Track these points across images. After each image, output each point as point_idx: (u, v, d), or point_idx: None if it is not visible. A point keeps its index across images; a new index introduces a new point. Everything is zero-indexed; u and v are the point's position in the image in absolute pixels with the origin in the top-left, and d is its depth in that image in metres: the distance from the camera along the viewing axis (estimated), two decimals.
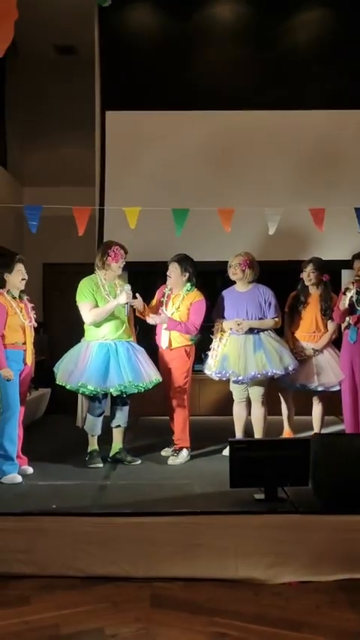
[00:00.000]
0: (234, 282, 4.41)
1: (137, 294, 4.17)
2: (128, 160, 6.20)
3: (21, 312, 3.86)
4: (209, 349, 4.37)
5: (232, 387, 4.41)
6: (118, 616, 2.69)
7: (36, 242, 6.80)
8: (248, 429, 4.44)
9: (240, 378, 4.16)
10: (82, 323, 4.20)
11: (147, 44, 6.43)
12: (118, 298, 4.05)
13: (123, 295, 4.04)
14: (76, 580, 3.01)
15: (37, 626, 2.61)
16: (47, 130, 7.72)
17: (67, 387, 4.04)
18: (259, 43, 6.36)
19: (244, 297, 4.30)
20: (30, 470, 3.96)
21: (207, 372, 4.32)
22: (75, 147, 7.49)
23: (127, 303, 4.07)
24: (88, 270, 5.55)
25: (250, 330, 4.23)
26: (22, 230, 7.17)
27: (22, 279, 3.89)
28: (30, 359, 3.91)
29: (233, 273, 4.31)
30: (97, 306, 4.08)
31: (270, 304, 4.28)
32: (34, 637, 2.52)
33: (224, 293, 4.41)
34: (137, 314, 4.33)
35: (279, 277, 4.79)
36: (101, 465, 4.08)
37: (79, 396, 4.31)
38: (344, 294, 4.24)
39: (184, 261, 4.31)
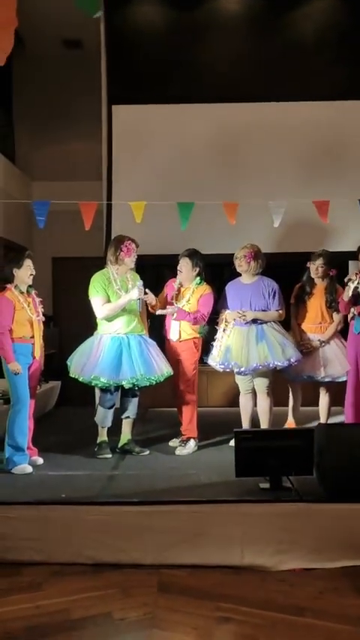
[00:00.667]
0: (240, 275, 4.45)
1: (147, 290, 4.21)
2: (135, 153, 6.23)
3: (28, 306, 3.93)
4: (214, 340, 4.43)
5: (237, 379, 4.46)
6: (127, 601, 2.77)
7: (45, 236, 6.88)
8: (255, 420, 4.49)
9: (242, 369, 4.21)
10: (94, 316, 4.26)
11: (153, 37, 6.43)
12: (130, 294, 4.10)
13: (135, 291, 4.09)
14: (86, 567, 3.10)
15: (48, 610, 2.69)
16: (56, 124, 7.77)
17: (80, 380, 4.09)
18: (264, 34, 6.34)
19: (249, 289, 4.35)
20: (40, 460, 4.05)
21: (211, 362, 4.38)
22: (84, 141, 7.53)
23: (139, 299, 4.11)
24: (98, 263, 5.62)
25: (254, 322, 4.28)
26: (31, 224, 7.23)
27: (30, 275, 3.96)
28: (38, 353, 3.98)
29: (239, 265, 4.36)
30: (109, 300, 4.13)
31: (274, 296, 4.32)
32: (45, 621, 2.60)
33: (229, 285, 4.46)
34: (150, 309, 4.40)
35: (284, 269, 4.82)
36: (110, 456, 4.14)
37: (96, 389, 4.39)
38: (347, 284, 4.26)
39: (194, 255, 4.39)
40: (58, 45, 7.47)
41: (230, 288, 4.43)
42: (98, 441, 4.24)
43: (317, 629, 2.54)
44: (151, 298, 4.23)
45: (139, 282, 4.13)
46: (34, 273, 3.98)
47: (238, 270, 4.39)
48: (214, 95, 6.20)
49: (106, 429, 4.27)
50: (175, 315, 4.30)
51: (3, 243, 6.76)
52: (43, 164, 7.86)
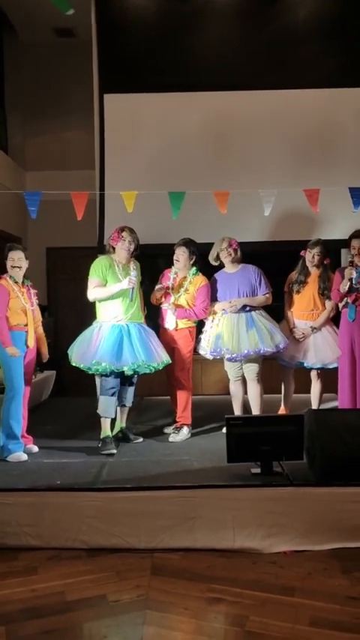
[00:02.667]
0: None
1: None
2: (127, 142, 6.23)
3: (22, 295, 3.99)
4: (202, 332, 4.50)
5: (227, 367, 4.52)
6: (121, 584, 2.84)
7: (39, 227, 6.89)
8: (246, 406, 4.56)
9: (234, 355, 4.27)
10: (91, 305, 4.30)
11: (145, 26, 6.38)
12: (121, 283, 4.12)
13: (125, 281, 4.10)
14: (80, 551, 3.17)
15: (43, 593, 2.76)
16: (48, 113, 7.74)
17: (81, 367, 4.10)
18: (255, 22, 6.30)
19: (235, 277, 4.42)
20: (35, 449, 4.10)
21: (201, 352, 4.44)
22: (76, 130, 7.52)
23: (132, 289, 4.13)
24: (91, 253, 5.65)
25: (243, 309, 4.34)
26: (25, 215, 7.20)
27: (12, 267, 4.00)
28: (32, 342, 4.03)
29: (226, 255, 4.41)
30: (104, 285, 4.17)
31: (260, 281, 4.41)
32: (41, 603, 2.68)
33: (215, 276, 4.52)
34: (154, 301, 4.46)
35: (275, 258, 4.86)
36: (114, 452, 4.01)
37: (96, 379, 4.39)
38: (342, 276, 4.30)
39: (190, 244, 4.44)
40: (49, 33, 7.43)
41: (217, 280, 4.49)
42: (102, 437, 4.13)
43: (306, 608, 2.62)
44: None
45: (133, 273, 4.15)
46: (18, 265, 4.00)
47: (225, 260, 4.44)
48: (205, 83, 6.19)
49: (109, 421, 4.18)
50: (176, 313, 4.35)
51: None
52: (36, 154, 7.84)
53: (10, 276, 4.00)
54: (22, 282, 4.06)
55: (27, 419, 4.14)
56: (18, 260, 4.00)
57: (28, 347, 4.01)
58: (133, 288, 4.13)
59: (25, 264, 4.04)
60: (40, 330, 4.22)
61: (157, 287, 4.45)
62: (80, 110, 7.06)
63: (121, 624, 2.50)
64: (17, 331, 3.95)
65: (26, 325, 4.00)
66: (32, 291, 4.13)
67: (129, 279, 4.10)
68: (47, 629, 2.46)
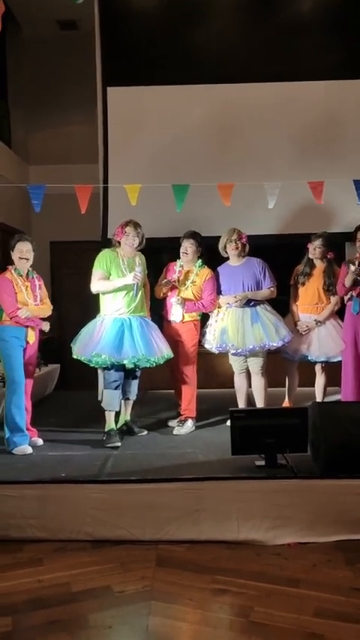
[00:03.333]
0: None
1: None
2: (131, 136, 6.20)
3: (26, 290, 3.98)
4: (206, 326, 4.49)
5: (231, 360, 4.52)
6: (126, 575, 2.85)
7: (43, 220, 6.87)
8: (251, 400, 4.56)
9: (239, 350, 4.27)
10: (94, 299, 4.30)
11: (148, 18, 6.34)
12: (125, 278, 4.11)
13: (130, 276, 4.10)
14: (85, 543, 3.18)
15: (49, 584, 2.78)
16: (52, 107, 7.72)
17: (82, 359, 4.10)
18: (259, 14, 6.25)
19: (240, 270, 4.41)
20: (40, 441, 4.12)
21: (207, 346, 4.44)
22: (80, 124, 7.50)
23: (136, 284, 4.12)
24: (95, 247, 5.64)
25: (247, 303, 4.33)
26: (29, 209, 7.22)
27: (20, 258, 3.98)
28: (32, 338, 4.01)
29: (235, 247, 4.39)
30: (108, 277, 4.17)
31: (265, 275, 4.40)
32: (47, 594, 2.69)
33: (219, 269, 4.51)
34: (160, 295, 4.46)
35: (281, 251, 4.85)
36: (119, 444, 4.02)
37: (99, 372, 4.39)
38: (348, 267, 4.29)
39: (198, 236, 4.45)
40: (52, 26, 7.40)
41: (221, 273, 4.48)
42: (106, 429, 4.14)
43: (310, 599, 2.63)
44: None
45: (138, 269, 4.13)
46: (25, 257, 3.99)
47: (232, 253, 4.43)
48: (209, 76, 6.16)
49: (113, 414, 4.19)
50: (185, 307, 4.35)
51: (1, 228, 6.77)
52: (40, 148, 7.83)
53: (15, 269, 3.99)
54: (27, 275, 4.06)
55: (31, 412, 4.15)
56: (26, 252, 3.99)
57: (28, 343, 4.00)
58: (135, 285, 4.12)
59: (32, 257, 4.03)
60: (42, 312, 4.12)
61: (163, 281, 4.44)
62: (83, 103, 7.04)
63: (127, 615, 2.52)
64: (16, 327, 3.93)
65: (27, 326, 3.97)
66: (37, 282, 4.11)
67: (134, 275, 4.09)
68: (53, 620, 2.48)
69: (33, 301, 4.01)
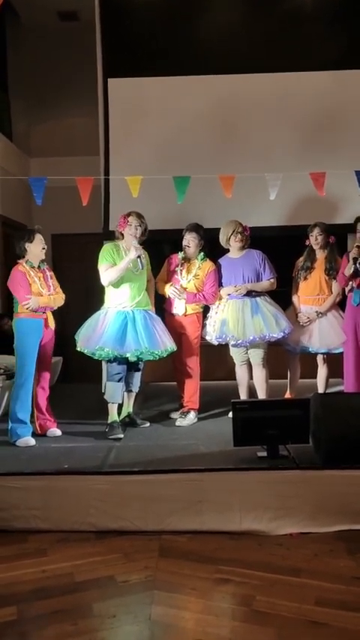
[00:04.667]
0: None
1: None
2: (132, 127, 6.19)
3: (39, 280, 4.02)
4: (206, 318, 4.50)
5: (232, 351, 4.54)
6: (129, 565, 2.88)
7: (45, 213, 6.85)
8: (252, 391, 4.58)
9: (239, 342, 4.28)
10: (97, 291, 4.31)
11: (148, 9, 6.31)
12: (128, 255, 4.10)
13: (132, 250, 4.09)
14: (89, 534, 3.21)
15: (53, 574, 2.81)
16: (52, 99, 7.69)
17: (86, 352, 4.12)
18: (261, 5, 6.22)
19: (240, 262, 4.41)
20: (58, 432, 4.14)
21: (207, 337, 4.45)
22: (81, 116, 7.47)
23: (138, 257, 4.11)
24: (97, 239, 5.64)
25: (248, 294, 4.34)
26: (30, 201, 7.22)
27: (43, 248, 4.08)
28: (52, 323, 4.08)
29: (239, 240, 4.39)
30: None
31: (265, 267, 4.41)
32: (51, 583, 2.72)
33: (220, 261, 4.51)
34: (159, 291, 4.46)
35: (282, 242, 4.85)
36: (122, 436, 4.03)
37: (103, 364, 4.39)
38: (349, 259, 4.29)
39: (200, 229, 4.45)
40: (53, 17, 7.36)
41: (221, 265, 4.48)
42: (109, 421, 4.16)
43: (312, 588, 2.65)
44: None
45: (134, 242, 4.11)
46: (45, 247, 4.10)
47: (236, 245, 4.43)
48: (210, 66, 6.13)
49: (116, 406, 4.20)
50: (185, 300, 4.35)
51: (2, 221, 6.77)
52: (41, 140, 7.81)
53: (27, 261, 4.02)
54: (39, 266, 4.09)
55: (48, 401, 4.19)
56: (44, 242, 4.08)
57: (47, 327, 4.04)
58: (139, 260, 4.10)
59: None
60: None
61: (170, 290, 4.41)
62: (84, 95, 7.00)
63: (130, 604, 2.54)
64: (33, 319, 3.98)
65: (44, 313, 4.02)
66: (49, 273, 4.15)
67: (134, 248, 4.07)
68: (57, 609, 2.50)
69: (47, 291, 4.05)
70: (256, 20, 6.20)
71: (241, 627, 2.39)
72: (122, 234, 4.24)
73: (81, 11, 7.11)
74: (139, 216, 4.21)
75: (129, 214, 4.21)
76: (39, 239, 4.06)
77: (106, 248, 4.24)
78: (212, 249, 4.59)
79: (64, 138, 7.70)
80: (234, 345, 4.41)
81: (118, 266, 4.11)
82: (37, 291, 3.99)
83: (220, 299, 4.44)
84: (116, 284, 4.15)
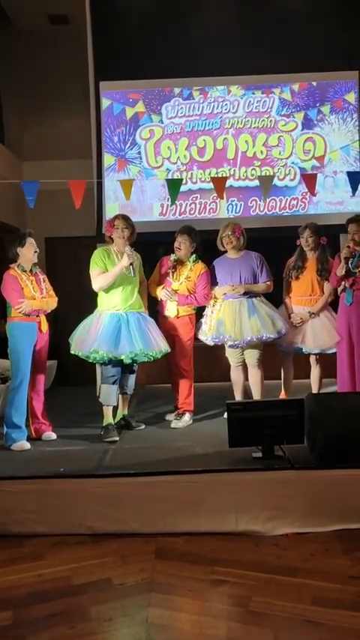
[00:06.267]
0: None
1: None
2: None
3: (32, 284, 4.02)
4: (202, 317, 4.52)
5: (228, 352, 4.55)
6: (125, 568, 2.88)
7: (38, 217, 6.86)
8: (247, 392, 4.59)
9: (236, 342, 4.29)
10: (91, 295, 4.31)
11: (139, 11, 6.33)
12: (121, 262, 4.12)
13: (125, 257, 4.10)
14: (85, 537, 3.21)
15: (50, 578, 2.81)
16: (45, 103, 7.67)
17: (80, 355, 4.12)
18: (253, 7, 6.24)
19: (237, 263, 4.43)
20: (53, 435, 4.15)
21: (202, 337, 4.46)
22: (74, 119, 7.45)
23: (131, 264, 4.13)
24: (91, 243, 5.64)
25: (244, 295, 4.35)
26: (23, 205, 7.19)
27: (35, 252, 4.08)
28: (45, 327, 4.08)
29: (228, 242, 4.41)
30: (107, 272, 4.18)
31: (262, 269, 4.42)
32: (48, 587, 2.72)
33: (216, 261, 4.53)
34: (151, 293, 4.47)
35: (276, 243, 4.87)
36: (117, 439, 4.03)
37: (97, 367, 4.39)
38: (341, 260, 4.32)
39: (192, 232, 4.45)
40: (43, 20, 7.36)
41: (218, 265, 4.50)
42: (104, 424, 4.16)
43: (308, 588, 2.66)
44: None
45: (127, 248, 4.13)
46: (37, 250, 4.10)
47: (227, 247, 4.45)
48: (202, 70, 6.15)
49: (111, 409, 4.20)
50: (177, 302, 4.36)
51: None
52: (33, 144, 7.79)
53: (19, 265, 4.02)
54: (31, 270, 4.09)
55: (44, 404, 4.19)
56: (36, 246, 4.09)
57: (41, 332, 4.04)
58: (131, 266, 4.10)
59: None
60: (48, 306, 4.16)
61: (162, 293, 4.42)
62: (77, 98, 7.00)
63: (127, 606, 2.54)
64: (27, 322, 3.98)
65: (38, 316, 4.02)
66: (41, 276, 4.16)
67: (127, 254, 4.09)
68: (54, 613, 2.51)
69: (39, 294, 4.05)
70: (250, 22, 6.18)
71: (238, 628, 2.40)
72: (111, 239, 4.24)
73: (72, 14, 7.11)
74: (125, 218, 4.22)
75: (115, 218, 4.24)
76: (30, 243, 4.06)
77: (97, 253, 4.25)
78: (205, 250, 4.59)
79: (57, 141, 7.68)
80: (231, 346, 4.42)
81: (110, 272, 4.12)
82: (30, 294, 3.99)
83: (216, 299, 4.44)
84: (109, 287, 4.16)
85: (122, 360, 4.06)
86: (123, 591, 2.67)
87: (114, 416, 4.30)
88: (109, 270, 4.16)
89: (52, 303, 4.14)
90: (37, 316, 4.02)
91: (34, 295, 4.00)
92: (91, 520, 3.25)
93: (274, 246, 4.91)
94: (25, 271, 4.05)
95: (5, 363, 4.63)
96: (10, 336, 3.99)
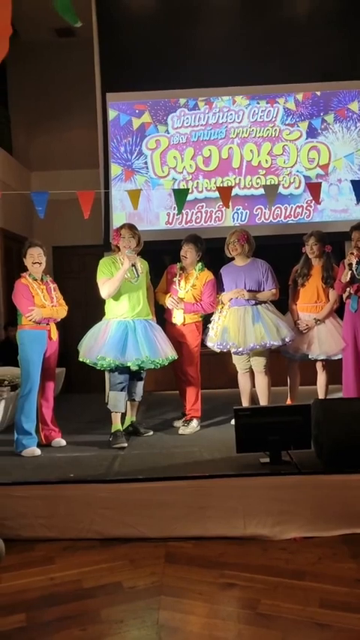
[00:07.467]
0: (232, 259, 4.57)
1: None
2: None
3: (42, 292, 4.08)
4: (210, 322, 4.57)
5: (235, 359, 4.59)
6: (135, 571, 2.91)
7: (45, 226, 6.96)
8: (254, 398, 4.63)
9: (240, 349, 4.34)
10: (98, 303, 4.37)
11: (146, 22, 6.42)
12: (123, 265, 4.17)
13: (126, 260, 4.16)
14: (95, 542, 3.25)
15: (61, 581, 2.84)
16: (52, 113, 7.81)
17: (87, 362, 4.17)
18: (257, 16, 6.33)
19: (243, 270, 4.48)
20: (63, 442, 4.20)
21: (209, 343, 4.51)
22: (80, 129, 7.57)
23: (133, 265, 4.19)
24: (98, 251, 5.72)
25: (249, 302, 4.40)
26: (31, 215, 7.33)
27: (34, 263, 4.09)
28: (55, 334, 4.13)
29: (233, 249, 4.47)
30: None
31: (267, 277, 4.47)
32: (59, 590, 2.76)
33: (223, 268, 4.58)
34: (157, 300, 4.52)
35: (280, 251, 4.92)
36: (125, 445, 4.08)
37: (106, 375, 4.43)
38: (345, 267, 4.36)
39: (198, 241, 4.50)
40: (51, 34, 7.48)
41: (225, 272, 4.55)
42: (113, 430, 4.21)
43: (316, 591, 2.69)
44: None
45: (127, 251, 4.17)
46: (38, 261, 4.10)
47: (232, 254, 4.51)
48: (207, 81, 6.23)
49: (119, 415, 4.25)
50: (183, 310, 4.42)
51: (3, 234, 6.85)
52: (41, 154, 7.92)
53: (30, 274, 4.09)
54: (42, 279, 4.15)
55: (53, 411, 4.25)
56: (38, 256, 4.10)
57: (51, 339, 4.10)
58: (134, 268, 4.15)
59: (44, 261, 4.13)
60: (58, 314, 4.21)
61: (169, 301, 4.48)
62: (84, 109, 7.12)
63: (137, 609, 2.58)
64: (37, 330, 4.04)
65: (48, 324, 4.09)
66: (51, 285, 4.22)
67: (127, 257, 4.14)
68: (66, 615, 2.54)
69: (50, 303, 4.11)
70: (257, 31, 6.26)
71: (247, 630, 2.43)
72: (118, 248, 4.30)
73: (78, 28, 7.22)
74: (132, 227, 4.28)
75: (121, 227, 4.30)
76: (30, 254, 4.09)
77: (103, 262, 4.31)
78: (212, 258, 4.65)
79: (64, 151, 7.80)
80: (235, 353, 4.47)
81: (114, 277, 4.17)
82: (40, 303, 4.05)
83: (222, 305, 4.50)
84: (115, 296, 4.21)
85: (129, 367, 4.11)
86: (133, 594, 2.71)
87: (122, 422, 4.35)
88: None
89: (62, 311, 4.20)
90: (47, 324, 4.09)
91: (44, 303, 4.06)
92: (101, 525, 3.29)
93: (279, 254, 4.98)
94: (35, 280, 4.11)
95: (15, 371, 4.70)
96: (21, 343, 4.06)
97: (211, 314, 4.54)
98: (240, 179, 6.22)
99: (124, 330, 4.16)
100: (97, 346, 4.13)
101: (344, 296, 4.53)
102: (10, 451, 4.02)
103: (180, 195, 4.65)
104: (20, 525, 3.29)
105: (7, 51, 2.42)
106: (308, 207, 6.19)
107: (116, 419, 4.25)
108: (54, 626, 2.47)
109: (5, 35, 2.47)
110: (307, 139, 6.25)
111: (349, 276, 4.34)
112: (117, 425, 4.25)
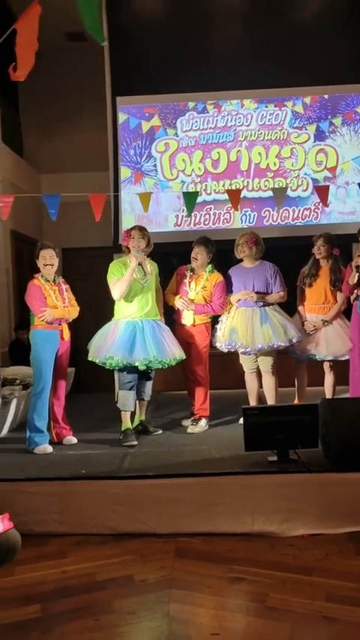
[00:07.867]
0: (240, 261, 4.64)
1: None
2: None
3: (54, 293, 4.16)
4: (218, 323, 4.63)
5: (242, 359, 4.65)
6: (146, 566, 2.99)
7: (55, 228, 7.03)
8: (262, 399, 4.69)
9: (247, 349, 4.40)
10: (106, 304, 4.45)
11: (156, 27, 6.50)
12: (131, 264, 4.23)
13: (132, 259, 4.23)
14: (106, 537, 3.32)
15: (74, 574, 2.92)
16: (62, 116, 7.89)
17: (96, 362, 4.24)
18: (267, 22, 6.39)
19: (251, 272, 4.54)
20: (74, 440, 4.28)
21: (217, 344, 4.57)
22: (91, 132, 7.65)
23: (140, 265, 4.25)
24: (107, 253, 5.79)
25: (257, 304, 4.46)
26: (40, 217, 7.42)
27: (45, 265, 4.18)
28: (67, 334, 4.21)
29: (241, 250, 4.53)
30: None
31: (276, 279, 4.53)
32: (72, 583, 2.84)
33: (232, 270, 4.65)
34: (167, 301, 4.59)
35: (288, 253, 4.98)
36: (135, 443, 4.13)
37: (115, 374, 4.50)
38: (352, 269, 4.42)
39: (209, 243, 4.57)
40: (62, 37, 7.57)
41: (233, 273, 4.62)
42: (123, 429, 4.27)
43: (323, 586, 2.75)
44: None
45: (133, 250, 4.24)
46: (50, 263, 4.18)
47: (240, 255, 4.57)
48: (215, 85, 6.30)
49: (129, 414, 4.31)
50: (193, 311, 4.48)
51: (15, 236, 6.94)
52: (51, 156, 8.00)
53: (42, 275, 4.17)
54: (54, 280, 4.23)
55: (64, 409, 4.32)
56: (50, 258, 4.18)
57: (62, 339, 4.17)
58: (141, 267, 4.22)
59: (56, 262, 4.21)
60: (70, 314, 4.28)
61: (179, 302, 4.53)
62: (94, 112, 7.20)
63: (148, 601, 2.65)
64: (50, 330, 4.11)
65: (60, 324, 4.16)
66: (64, 286, 4.30)
67: (134, 256, 4.20)
68: (79, 606, 2.62)
69: (62, 304, 4.19)
70: (266, 35, 6.31)
71: (256, 622, 2.49)
72: (128, 249, 4.37)
73: (88, 32, 7.30)
74: (142, 229, 4.35)
75: (132, 228, 4.37)
76: (42, 255, 4.18)
77: (114, 264, 4.38)
78: (221, 260, 4.71)
79: (74, 154, 7.88)
80: (243, 353, 4.53)
81: (123, 277, 4.23)
82: (53, 303, 4.13)
83: (231, 305, 4.55)
84: (125, 297, 4.28)
85: (137, 366, 4.18)
86: (144, 587, 2.78)
87: (132, 421, 4.42)
88: None
89: (73, 312, 4.28)
90: (59, 324, 4.16)
91: (56, 304, 4.14)
92: (112, 521, 3.36)
93: (287, 256, 5.04)
94: (48, 281, 4.19)
95: (26, 370, 4.78)
96: (33, 343, 4.14)
97: (220, 315, 4.61)
98: (248, 181, 6.28)
99: (132, 330, 4.23)
100: (106, 346, 4.20)
101: (352, 297, 4.58)
102: (22, 448, 4.10)
103: (190, 198, 4.72)
104: (33, 521, 3.36)
105: (33, 64, 2.51)
106: (316, 210, 6.25)
107: (126, 417, 4.32)
108: (68, 617, 2.55)
109: (32, 49, 2.56)
110: (314, 141, 6.31)
111: (356, 278, 4.39)
112: (127, 423, 4.31)
